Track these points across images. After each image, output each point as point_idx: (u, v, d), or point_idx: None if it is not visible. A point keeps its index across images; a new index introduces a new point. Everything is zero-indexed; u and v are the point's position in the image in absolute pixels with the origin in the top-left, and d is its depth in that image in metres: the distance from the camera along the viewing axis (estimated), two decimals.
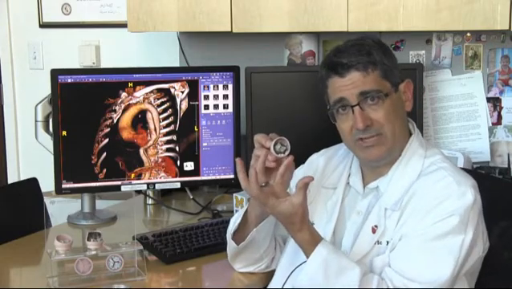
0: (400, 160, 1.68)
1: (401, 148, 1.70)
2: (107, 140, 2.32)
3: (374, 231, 1.63)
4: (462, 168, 1.91)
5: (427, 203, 1.58)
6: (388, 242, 1.61)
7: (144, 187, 2.40)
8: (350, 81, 1.65)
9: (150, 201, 2.59)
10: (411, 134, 1.74)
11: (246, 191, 1.63)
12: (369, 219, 1.65)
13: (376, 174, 1.71)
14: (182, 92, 2.38)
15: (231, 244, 1.81)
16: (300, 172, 1.91)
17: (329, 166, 1.85)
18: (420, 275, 1.53)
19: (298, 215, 1.59)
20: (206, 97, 2.41)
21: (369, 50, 1.67)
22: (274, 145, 1.61)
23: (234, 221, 1.81)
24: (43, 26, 3.16)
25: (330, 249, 1.59)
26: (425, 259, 1.54)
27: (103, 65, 3.11)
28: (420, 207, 1.58)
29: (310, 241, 1.60)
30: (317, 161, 1.89)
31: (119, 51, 3.06)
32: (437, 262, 1.54)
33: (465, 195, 1.57)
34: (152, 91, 2.35)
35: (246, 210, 1.77)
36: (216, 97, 2.42)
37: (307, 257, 1.59)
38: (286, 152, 1.61)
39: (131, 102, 2.33)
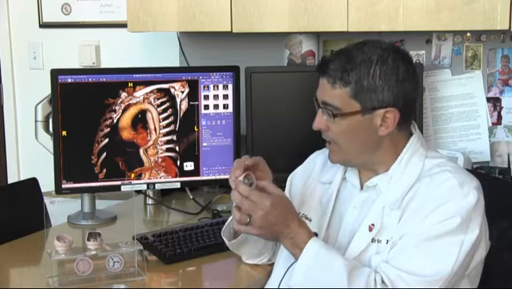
0: (400, 160, 1.67)
1: (366, 161, 1.69)
2: (107, 140, 2.32)
3: (370, 229, 1.62)
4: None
5: (429, 204, 1.57)
6: (388, 241, 1.60)
7: (144, 187, 2.40)
8: (322, 85, 1.65)
9: (150, 201, 2.59)
10: (411, 134, 1.72)
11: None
12: (368, 217, 1.65)
13: (371, 172, 1.71)
14: (182, 92, 2.38)
15: (225, 240, 1.87)
16: (299, 171, 1.94)
17: (327, 163, 1.85)
18: (419, 269, 1.53)
19: (290, 203, 1.65)
20: (206, 97, 2.41)
21: (352, 67, 1.59)
22: (243, 179, 1.66)
23: (228, 222, 1.86)
24: (43, 26, 3.16)
25: (321, 243, 1.62)
26: (424, 255, 1.54)
27: (103, 65, 3.11)
28: (422, 208, 1.58)
29: (309, 233, 1.63)
30: (316, 159, 1.89)
31: (119, 51, 3.06)
32: (436, 258, 1.54)
33: (468, 196, 1.57)
34: (152, 91, 2.35)
35: None
36: (216, 97, 2.42)
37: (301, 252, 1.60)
38: (252, 186, 1.66)
39: (131, 102, 2.33)
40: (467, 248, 1.55)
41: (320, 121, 1.67)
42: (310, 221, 1.75)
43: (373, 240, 1.62)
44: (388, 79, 1.59)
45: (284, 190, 1.95)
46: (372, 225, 1.62)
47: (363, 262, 1.61)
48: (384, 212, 1.63)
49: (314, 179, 1.82)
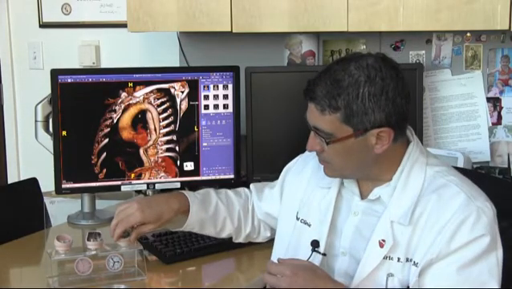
0: (401, 170, 1.62)
1: (364, 175, 1.66)
2: (107, 140, 2.32)
3: (382, 245, 1.57)
4: (460, 169, 1.91)
5: (447, 224, 1.52)
6: (399, 259, 1.56)
7: (144, 187, 2.40)
8: (311, 110, 1.60)
9: None
10: (409, 141, 1.66)
11: None
12: (376, 232, 1.60)
13: (370, 182, 1.67)
14: (182, 92, 2.38)
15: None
16: (293, 168, 1.93)
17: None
18: None
19: (312, 265, 1.59)
20: (206, 97, 2.41)
21: (340, 92, 1.53)
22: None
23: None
24: (43, 26, 3.16)
25: None
26: (469, 281, 1.50)
27: (103, 65, 3.11)
28: (438, 228, 1.53)
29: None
30: (309, 158, 1.85)
31: (119, 51, 3.06)
32: (482, 281, 1.51)
33: (485, 211, 1.54)
34: (152, 91, 2.35)
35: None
36: (216, 97, 2.42)
37: None
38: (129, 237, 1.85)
39: (131, 102, 2.33)
40: (501, 260, 1.54)
41: (313, 143, 1.62)
42: (309, 226, 1.73)
43: (385, 257, 1.57)
44: (377, 99, 1.53)
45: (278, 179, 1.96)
46: (383, 241, 1.57)
47: (376, 280, 1.57)
48: (394, 227, 1.57)
49: (312, 182, 1.78)
